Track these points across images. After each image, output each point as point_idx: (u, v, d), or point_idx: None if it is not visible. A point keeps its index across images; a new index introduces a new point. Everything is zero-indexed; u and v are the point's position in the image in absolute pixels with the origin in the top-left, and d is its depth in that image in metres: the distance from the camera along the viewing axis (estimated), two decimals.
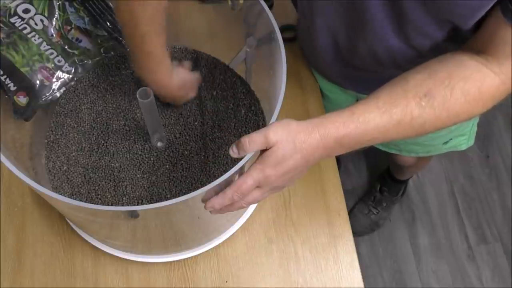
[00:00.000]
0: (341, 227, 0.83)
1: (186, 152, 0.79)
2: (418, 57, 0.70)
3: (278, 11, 0.92)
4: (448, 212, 1.63)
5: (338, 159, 1.57)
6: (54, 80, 0.81)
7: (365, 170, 1.69)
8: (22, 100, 0.79)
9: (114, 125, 0.81)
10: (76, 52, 0.83)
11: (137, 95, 0.66)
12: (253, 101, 0.83)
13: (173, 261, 0.79)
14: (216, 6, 0.92)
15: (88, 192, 0.76)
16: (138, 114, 0.82)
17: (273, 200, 0.85)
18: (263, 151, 0.57)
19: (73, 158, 0.78)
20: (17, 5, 0.79)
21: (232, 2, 0.76)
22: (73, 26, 0.83)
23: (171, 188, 0.76)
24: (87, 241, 0.79)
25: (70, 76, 0.83)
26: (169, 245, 0.78)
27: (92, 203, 0.63)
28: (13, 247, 0.80)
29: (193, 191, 0.55)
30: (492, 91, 0.58)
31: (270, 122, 0.58)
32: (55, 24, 0.81)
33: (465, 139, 1.02)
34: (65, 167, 0.78)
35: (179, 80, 0.78)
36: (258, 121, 0.82)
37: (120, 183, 0.76)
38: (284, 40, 0.66)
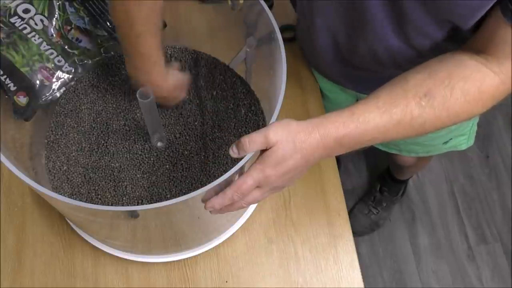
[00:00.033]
0: (341, 227, 0.83)
1: (186, 152, 0.79)
2: (418, 57, 0.69)
3: (278, 11, 0.92)
4: (448, 212, 1.63)
5: (338, 159, 1.57)
6: (54, 80, 0.81)
7: (365, 170, 1.69)
8: (22, 100, 0.79)
9: (114, 125, 0.81)
10: (76, 52, 0.83)
11: (137, 95, 0.65)
12: (253, 101, 0.83)
13: (173, 261, 0.79)
14: (216, 6, 0.92)
15: (88, 192, 0.76)
16: (138, 114, 0.82)
17: (273, 200, 0.85)
18: (263, 151, 0.57)
19: (73, 158, 0.78)
20: (17, 5, 0.79)
21: (232, 2, 0.76)
22: (73, 26, 0.83)
23: (171, 188, 0.76)
24: (87, 241, 0.79)
25: (70, 76, 0.83)
26: (169, 245, 0.78)
27: (92, 203, 0.63)
28: (13, 247, 0.80)
29: (193, 191, 0.55)
30: (492, 91, 0.58)
31: (270, 122, 0.58)
32: (55, 24, 0.81)
33: (465, 139, 1.02)
34: (65, 167, 0.78)
35: (174, 81, 0.77)
36: (258, 121, 0.82)
37: (120, 183, 0.76)
38: (284, 40, 0.66)
